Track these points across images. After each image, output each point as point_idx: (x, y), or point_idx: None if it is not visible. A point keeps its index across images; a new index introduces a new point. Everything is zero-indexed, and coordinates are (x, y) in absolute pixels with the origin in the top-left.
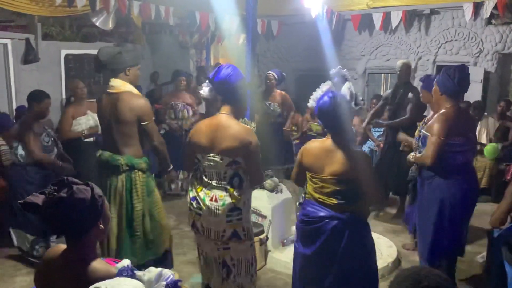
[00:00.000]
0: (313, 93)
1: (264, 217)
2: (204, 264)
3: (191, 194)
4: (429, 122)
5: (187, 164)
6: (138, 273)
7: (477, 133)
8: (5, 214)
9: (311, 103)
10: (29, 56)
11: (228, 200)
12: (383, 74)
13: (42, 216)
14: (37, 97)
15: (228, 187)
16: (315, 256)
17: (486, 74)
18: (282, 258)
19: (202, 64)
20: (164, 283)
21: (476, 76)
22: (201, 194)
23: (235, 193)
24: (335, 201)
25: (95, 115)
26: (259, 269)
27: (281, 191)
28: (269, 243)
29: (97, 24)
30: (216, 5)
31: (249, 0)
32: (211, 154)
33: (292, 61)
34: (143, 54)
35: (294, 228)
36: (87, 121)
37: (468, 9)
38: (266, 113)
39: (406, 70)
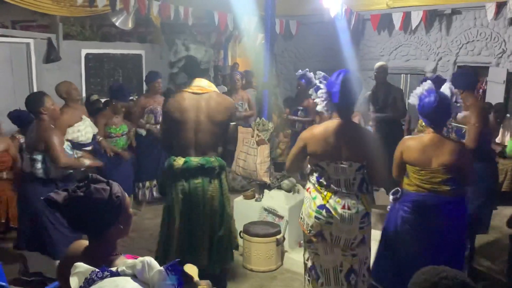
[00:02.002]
0: (414, 91)
1: (281, 217)
2: (321, 279)
3: (317, 202)
4: (465, 114)
5: (293, 168)
6: (120, 269)
7: (500, 135)
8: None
9: (413, 99)
10: (51, 55)
11: (361, 207)
12: (402, 75)
13: (61, 213)
14: (38, 101)
15: (360, 194)
16: (433, 239)
17: (509, 75)
18: (299, 259)
19: (220, 64)
20: (161, 268)
21: (498, 77)
22: (331, 202)
23: (367, 199)
24: (447, 188)
25: (89, 120)
26: (275, 269)
27: (298, 192)
28: (285, 243)
29: (116, 24)
30: (235, 5)
31: (268, 0)
32: (338, 162)
33: (310, 61)
34: (162, 54)
35: None
36: (85, 127)
37: (491, 9)
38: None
39: (384, 71)
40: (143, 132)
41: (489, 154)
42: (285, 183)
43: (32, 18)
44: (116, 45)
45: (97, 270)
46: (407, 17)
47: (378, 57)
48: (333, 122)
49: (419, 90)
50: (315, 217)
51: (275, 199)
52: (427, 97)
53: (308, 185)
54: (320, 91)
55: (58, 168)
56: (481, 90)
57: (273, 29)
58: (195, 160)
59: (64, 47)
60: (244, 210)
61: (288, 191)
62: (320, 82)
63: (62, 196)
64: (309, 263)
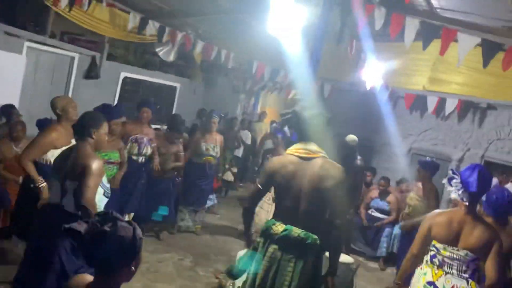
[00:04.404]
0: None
1: None
2: None
3: (427, 277)
4: None
5: (419, 249)
6: None
7: None
8: None
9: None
10: (91, 72)
11: None
12: (427, 158)
13: (81, 245)
14: (96, 122)
15: (470, 280)
16: None
17: None
18: None
19: (248, 110)
20: None
21: None
22: (441, 280)
23: (477, 287)
24: None
25: None
26: None
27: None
28: None
29: (159, 54)
30: (274, 59)
31: (312, 61)
32: (455, 248)
33: (338, 125)
34: (196, 90)
35: None
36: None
37: None
38: (207, 154)
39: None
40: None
41: None
42: None
43: (81, 32)
44: (154, 74)
45: None
46: (441, 102)
47: (406, 136)
48: (458, 211)
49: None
50: None
51: None
52: (498, 193)
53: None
54: (454, 181)
55: (80, 203)
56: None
57: (309, 91)
58: (296, 231)
59: (105, 67)
60: None
61: None
62: (453, 173)
63: (84, 227)
64: None
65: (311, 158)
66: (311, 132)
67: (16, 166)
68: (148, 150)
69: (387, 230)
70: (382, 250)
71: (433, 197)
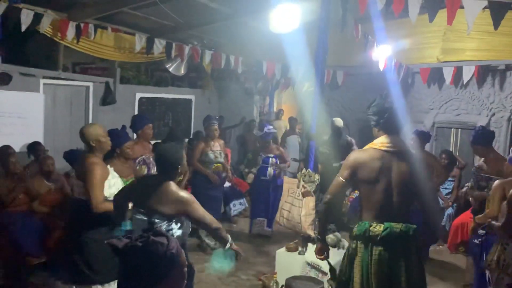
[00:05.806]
0: None
1: (325, 273)
2: None
3: None
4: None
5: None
6: None
7: None
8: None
9: None
10: (107, 98)
11: None
12: (452, 129)
13: (119, 259)
14: (180, 156)
15: None
16: None
17: None
18: None
19: (265, 110)
20: None
21: None
22: None
23: None
24: None
25: (116, 175)
26: None
27: (343, 247)
28: None
29: (170, 70)
30: (284, 55)
31: (319, 54)
32: None
33: (357, 111)
34: (211, 99)
35: None
36: (114, 179)
37: None
38: (215, 161)
39: (336, 128)
40: None
41: None
42: (330, 237)
43: (92, 61)
44: (168, 90)
45: None
46: (458, 71)
47: (428, 110)
48: None
49: None
50: None
51: None
52: None
53: None
54: None
55: (212, 229)
56: None
57: (322, 82)
58: (397, 226)
59: (120, 91)
60: (286, 263)
61: (333, 246)
62: None
63: (123, 243)
64: None
65: (397, 152)
66: (395, 125)
67: (50, 199)
68: (155, 169)
69: None
70: None
71: (429, 165)
